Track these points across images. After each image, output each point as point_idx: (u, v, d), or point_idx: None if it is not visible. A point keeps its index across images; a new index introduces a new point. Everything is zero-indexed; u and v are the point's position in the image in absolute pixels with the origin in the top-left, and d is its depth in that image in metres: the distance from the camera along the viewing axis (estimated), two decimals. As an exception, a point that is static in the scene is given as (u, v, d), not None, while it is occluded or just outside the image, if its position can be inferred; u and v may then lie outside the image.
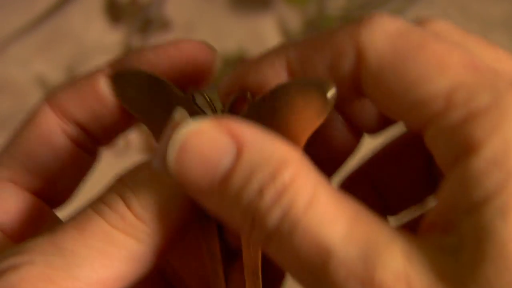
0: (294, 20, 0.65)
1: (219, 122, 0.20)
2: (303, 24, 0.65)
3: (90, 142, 0.25)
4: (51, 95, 0.24)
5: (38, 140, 0.24)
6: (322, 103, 0.21)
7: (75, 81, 0.24)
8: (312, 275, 0.18)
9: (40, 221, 0.24)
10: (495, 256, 0.17)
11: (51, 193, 0.24)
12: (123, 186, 0.21)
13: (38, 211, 0.24)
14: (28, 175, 0.24)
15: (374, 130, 0.25)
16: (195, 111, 0.23)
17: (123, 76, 0.24)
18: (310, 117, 0.21)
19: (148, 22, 0.64)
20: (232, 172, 0.19)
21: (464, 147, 0.18)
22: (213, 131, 0.20)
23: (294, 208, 0.18)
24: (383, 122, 0.25)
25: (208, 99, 0.23)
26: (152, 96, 0.23)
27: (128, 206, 0.21)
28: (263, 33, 0.64)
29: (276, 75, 0.22)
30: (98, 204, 0.21)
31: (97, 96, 0.24)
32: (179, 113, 0.21)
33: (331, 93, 0.20)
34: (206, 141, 0.19)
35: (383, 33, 0.20)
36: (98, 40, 0.65)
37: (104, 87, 0.24)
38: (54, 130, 0.24)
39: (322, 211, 0.18)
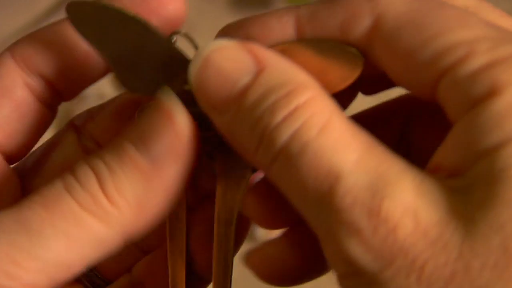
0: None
1: (243, 43, 0.20)
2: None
3: (53, 96, 0.24)
4: (15, 45, 0.23)
5: None
6: (352, 68, 0.20)
7: (41, 29, 0.23)
8: (315, 201, 0.18)
9: None
10: (509, 198, 0.16)
11: (8, 148, 0.23)
12: (99, 161, 0.20)
13: None
14: None
15: (370, 91, 0.24)
16: (175, 54, 0.22)
17: (81, 6, 0.22)
18: (335, 79, 0.21)
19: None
20: (248, 90, 0.19)
21: (485, 92, 0.17)
22: (236, 50, 0.20)
23: (306, 129, 0.18)
24: (380, 84, 0.24)
25: (193, 40, 0.23)
26: (118, 31, 0.22)
27: (102, 186, 0.20)
28: (263, 33, 0.64)
29: (282, 30, 0.21)
30: (68, 179, 0.20)
31: (63, 46, 0.23)
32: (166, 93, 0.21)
33: (361, 61, 0.20)
34: (228, 57, 0.20)
35: None
36: (98, 40, 0.64)
37: (71, 35, 0.23)
38: (16, 82, 0.23)
39: (335, 137, 0.18)
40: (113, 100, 0.26)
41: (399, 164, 0.18)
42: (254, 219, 0.23)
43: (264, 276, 0.22)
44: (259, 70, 0.19)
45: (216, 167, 0.23)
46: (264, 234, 0.57)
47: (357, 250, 0.17)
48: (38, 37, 0.23)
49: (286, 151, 0.18)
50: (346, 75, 0.21)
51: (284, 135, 0.18)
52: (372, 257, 0.17)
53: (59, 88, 0.24)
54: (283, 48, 0.21)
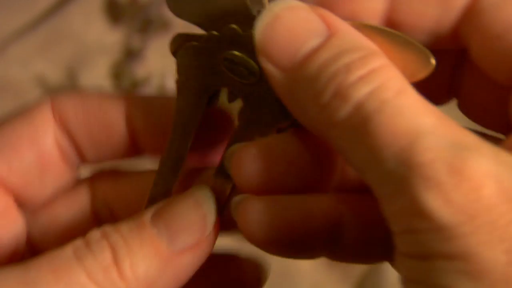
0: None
1: (315, 7, 0.20)
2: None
3: (76, 158, 0.24)
4: (58, 98, 0.24)
5: (26, 133, 0.23)
6: (421, 66, 0.20)
7: (87, 94, 0.24)
8: (390, 156, 0.17)
9: (5, 218, 0.23)
10: None
11: (23, 195, 0.23)
12: (117, 234, 0.20)
13: (5, 207, 0.23)
14: (6, 165, 0.23)
15: (440, 101, 0.24)
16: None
17: None
18: (402, 72, 0.20)
19: (148, 22, 0.64)
20: (319, 51, 0.19)
21: None
22: (308, 12, 0.20)
23: (384, 89, 0.18)
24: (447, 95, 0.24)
25: None
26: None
27: (116, 261, 0.20)
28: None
29: (373, 11, 0.21)
30: (80, 246, 0.20)
31: (102, 117, 0.23)
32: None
33: (433, 59, 0.20)
34: (300, 17, 0.20)
35: None
36: (98, 40, 0.65)
37: (113, 111, 0.23)
38: (48, 134, 0.23)
39: (412, 100, 0.18)
40: (135, 172, 0.25)
41: (473, 135, 0.18)
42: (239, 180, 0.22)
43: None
44: (331, 34, 0.19)
45: (238, 118, 0.22)
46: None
47: (435, 203, 0.17)
48: (83, 99, 0.24)
49: (362, 107, 0.18)
50: (414, 71, 0.20)
51: (361, 92, 0.18)
52: (452, 211, 0.17)
53: (84, 152, 0.24)
54: (353, 25, 0.21)
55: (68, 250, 0.20)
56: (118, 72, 0.63)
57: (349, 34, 0.20)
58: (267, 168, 0.21)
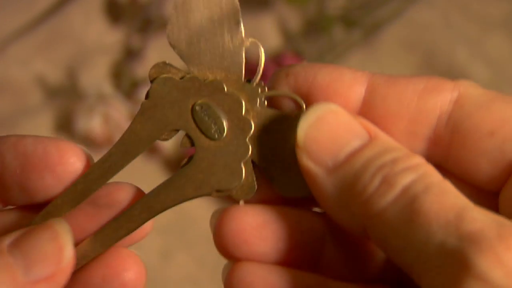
0: (294, 20, 0.65)
1: (355, 114, 0.21)
2: (303, 24, 0.65)
3: None
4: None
5: None
6: None
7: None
8: (440, 230, 0.18)
9: None
10: None
11: None
12: None
13: None
14: None
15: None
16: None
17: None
18: None
19: (148, 22, 0.64)
20: (363, 149, 0.21)
21: None
22: (349, 116, 0.21)
23: (429, 176, 0.19)
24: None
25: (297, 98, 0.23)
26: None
27: None
28: (263, 33, 0.64)
29: (353, 83, 0.22)
30: None
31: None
32: None
33: None
34: (341, 121, 0.21)
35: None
36: (98, 40, 0.65)
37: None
38: None
39: (453, 187, 0.19)
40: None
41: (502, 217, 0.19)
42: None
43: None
44: (372, 137, 0.21)
45: (181, 166, 0.23)
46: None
47: (489, 265, 0.17)
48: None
49: (409, 190, 0.19)
50: None
51: (407, 178, 0.19)
52: (505, 272, 0.17)
53: None
54: None
55: None
56: (118, 72, 0.63)
57: (388, 138, 0.21)
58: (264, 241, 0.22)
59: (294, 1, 0.64)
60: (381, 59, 0.64)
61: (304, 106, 0.22)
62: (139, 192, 0.23)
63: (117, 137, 0.59)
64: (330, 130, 0.21)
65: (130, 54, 0.64)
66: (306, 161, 0.21)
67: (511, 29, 0.64)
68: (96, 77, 0.63)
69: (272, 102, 0.23)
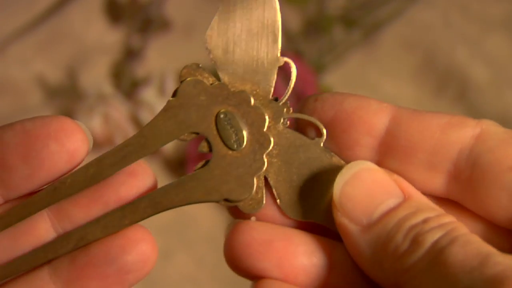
0: (294, 20, 0.65)
1: (390, 172, 0.22)
2: (303, 24, 0.65)
3: None
4: None
5: None
6: None
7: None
8: (465, 277, 0.19)
9: None
10: None
11: None
12: None
13: None
14: None
15: None
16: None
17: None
18: None
19: (148, 22, 0.64)
20: (397, 209, 0.21)
21: None
22: (384, 175, 0.22)
23: (456, 230, 0.20)
24: None
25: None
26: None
27: None
28: (263, 33, 0.63)
29: (378, 113, 0.22)
30: None
31: None
32: None
33: None
34: (377, 179, 0.22)
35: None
36: (98, 40, 0.65)
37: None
38: None
39: (479, 239, 0.20)
40: None
41: None
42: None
43: None
44: (406, 197, 0.21)
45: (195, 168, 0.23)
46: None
47: None
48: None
49: (436, 245, 0.20)
50: None
51: (436, 235, 0.20)
52: None
53: None
54: None
55: None
56: (118, 72, 0.63)
57: (421, 198, 0.22)
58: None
59: (294, 1, 0.64)
60: (381, 59, 0.64)
61: (325, 132, 0.23)
62: (154, 185, 0.23)
63: (117, 137, 0.59)
64: (365, 188, 0.22)
65: (130, 54, 0.64)
66: (341, 218, 0.22)
67: (511, 29, 0.64)
68: (96, 77, 0.63)
69: (296, 124, 0.24)
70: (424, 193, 0.22)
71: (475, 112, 0.60)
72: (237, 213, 0.23)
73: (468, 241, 0.20)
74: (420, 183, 0.22)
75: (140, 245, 0.22)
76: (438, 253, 0.20)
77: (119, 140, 0.59)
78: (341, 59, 0.63)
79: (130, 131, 0.59)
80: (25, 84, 0.62)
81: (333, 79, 0.62)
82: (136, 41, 0.64)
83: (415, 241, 0.20)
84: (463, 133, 0.22)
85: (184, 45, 0.63)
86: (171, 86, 0.60)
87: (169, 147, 0.59)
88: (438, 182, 0.22)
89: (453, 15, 0.65)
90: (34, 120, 0.22)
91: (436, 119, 0.22)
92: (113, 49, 0.64)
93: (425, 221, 0.21)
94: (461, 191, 0.22)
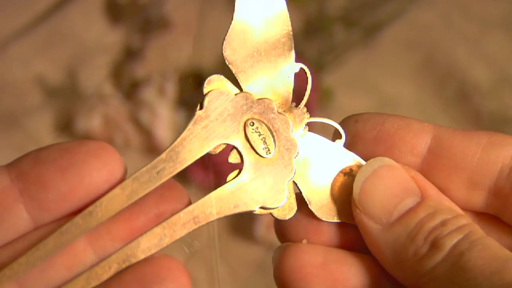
0: (294, 20, 0.65)
1: (408, 169, 0.22)
2: (303, 24, 0.65)
3: None
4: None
5: None
6: None
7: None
8: (485, 281, 0.19)
9: None
10: None
11: None
12: None
13: None
14: None
15: None
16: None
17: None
18: None
19: (148, 22, 0.64)
20: (416, 210, 0.21)
21: None
22: (403, 172, 0.22)
23: (474, 233, 0.21)
24: None
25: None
26: None
27: None
28: (263, 33, 0.64)
29: (420, 132, 0.23)
30: None
31: None
32: None
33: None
34: (396, 177, 0.22)
35: None
36: (98, 40, 0.65)
37: None
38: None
39: (495, 241, 0.21)
40: None
41: None
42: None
43: None
44: (424, 196, 0.22)
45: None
46: (264, 234, 0.57)
47: None
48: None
49: (455, 249, 0.20)
50: None
51: (454, 239, 0.21)
52: None
53: None
54: None
55: None
56: (118, 72, 0.63)
57: (439, 196, 0.22)
58: None
59: (294, 1, 0.64)
60: (381, 59, 0.64)
61: (344, 135, 0.23)
62: (188, 201, 0.22)
63: (117, 137, 0.59)
64: (384, 185, 0.22)
65: (130, 54, 0.64)
66: (360, 215, 0.22)
67: (511, 29, 0.64)
68: (96, 77, 0.63)
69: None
70: (464, 209, 0.22)
71: (475, 112, 0.60)
72: (285, 237, 0.23)
73: (487, 245, 0.20)
74: (461, 201, 0.23)
75: (175, 275, 0.22)
76: (457, 257, 0.20)
77: (119, 140, 0.60)
78: (341, 59, 0.63)
79: (130, 131, 0.59)
80: (25, 84, 0.62)
81: (333, 79, 0.62)
82: (136, 41, 0.64)
83: (435, 245, 0.21)
84: (503, 152, 0.22)
85: (184, 45, 0.63)
86: (171, 86, 0.60)
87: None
88: (478, 199, 0.23)
89: (453, 15, 0.65)
90: (70, 141, 0.21)
91: (476, 138, 0.22)
92: (113, 49, 0.64)
93: (443, 223, 0.21)
94: (500, 206, 0.22)
